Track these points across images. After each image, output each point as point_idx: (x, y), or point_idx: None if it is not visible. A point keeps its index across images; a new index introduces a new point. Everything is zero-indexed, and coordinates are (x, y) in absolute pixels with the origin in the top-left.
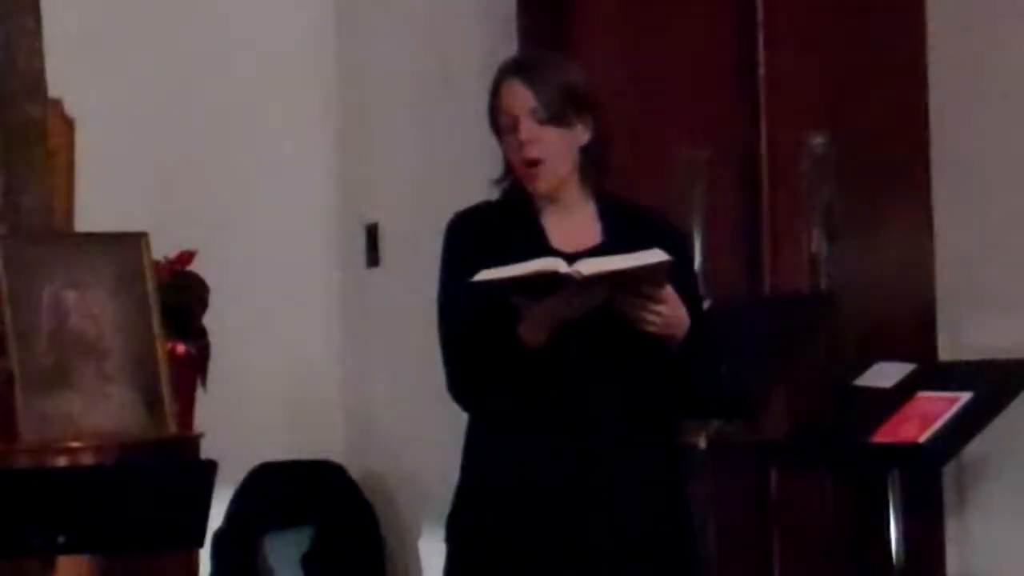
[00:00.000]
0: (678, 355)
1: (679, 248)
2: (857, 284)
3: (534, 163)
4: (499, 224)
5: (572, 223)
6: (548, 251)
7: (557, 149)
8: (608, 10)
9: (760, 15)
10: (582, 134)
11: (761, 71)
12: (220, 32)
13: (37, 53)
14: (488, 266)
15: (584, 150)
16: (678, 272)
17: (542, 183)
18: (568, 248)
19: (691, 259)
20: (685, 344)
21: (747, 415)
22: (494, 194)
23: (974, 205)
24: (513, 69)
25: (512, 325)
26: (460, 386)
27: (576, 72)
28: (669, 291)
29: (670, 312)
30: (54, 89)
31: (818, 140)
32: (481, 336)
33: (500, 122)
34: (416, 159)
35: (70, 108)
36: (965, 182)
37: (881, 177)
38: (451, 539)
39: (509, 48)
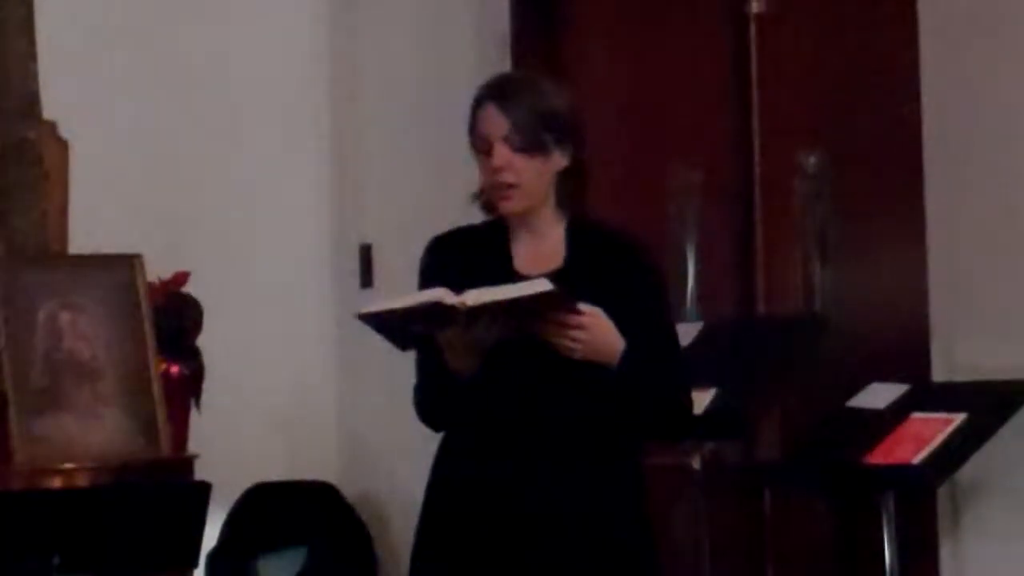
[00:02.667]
0: (616, 377)
1: (643, 268)
2: (851, 305)
3: (506, 187)
4: (471, 247)
5: (540, 246)
6: (512, 274)
7: (530, 176)
8: (602, 31)
9: (754, 37)
10: (559, 160)
11: (754, 92)
12: (215, 54)
13: (31, 75)
14: (455, 289)
15: (562, 174)
16: (640, 291)
17: (512, 205)
18: (533, 271)
19: (657, 283)
20: (621, 367)
21: (740, 436)
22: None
23: (968, 226)
24: (490, 93)
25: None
26: (417, 407)
27: (557, 97)
28: (591, 315)
29: (590, 336)
30: (48, 111)
31: (811, 161)
32: (430, 363)
33: (476, 144)
34: (410, 180)
35: (64, 130)
36: (959, 203)
37: (874, 198)
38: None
39: (503, 70)
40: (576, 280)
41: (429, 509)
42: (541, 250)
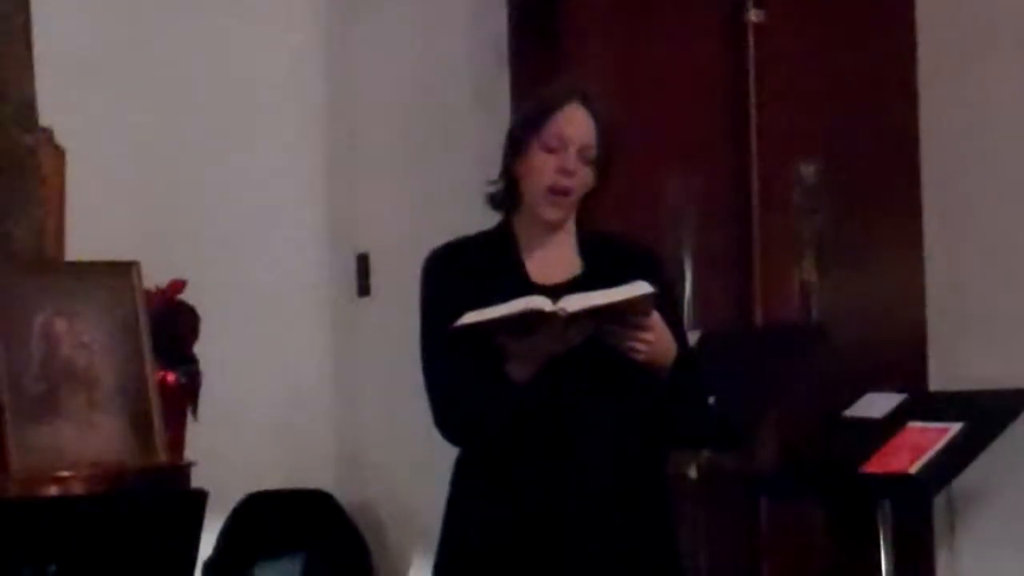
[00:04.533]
0: (668, 382)
1: (657, 276)
2: (848, 314)
3: (564, 193)
4: (477, 259)
5: (551, 256)
6: (528, 285)
7: (585, 188)
8: (599, 38)
9: (751, 43)
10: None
11: (752, 101)
12: (211, 62)
13: (28, 82)
14: (469, 304)
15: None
16: (662, 301)
17: (559, 213)
18: (547, 281)
19: (670, 286)
20: (674, 371)
21: (737, 445)
22: (485, 223)
23: (965, 235)
24: (579, 94)
25: (498, 361)
26: (448, 422)
27: (619, 116)
28: (656, 319)
29: (657, 340)
30: (45, 118)
31: (809, 169)
32: (468, 375)
33: (545, 140)
34: (407, 188)
35: (61, 137)
36: (956, 212)
37: (872, 206)
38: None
39: (500, 76)
40: (595, 290)
41: (455, 531)
42: (554, 260)
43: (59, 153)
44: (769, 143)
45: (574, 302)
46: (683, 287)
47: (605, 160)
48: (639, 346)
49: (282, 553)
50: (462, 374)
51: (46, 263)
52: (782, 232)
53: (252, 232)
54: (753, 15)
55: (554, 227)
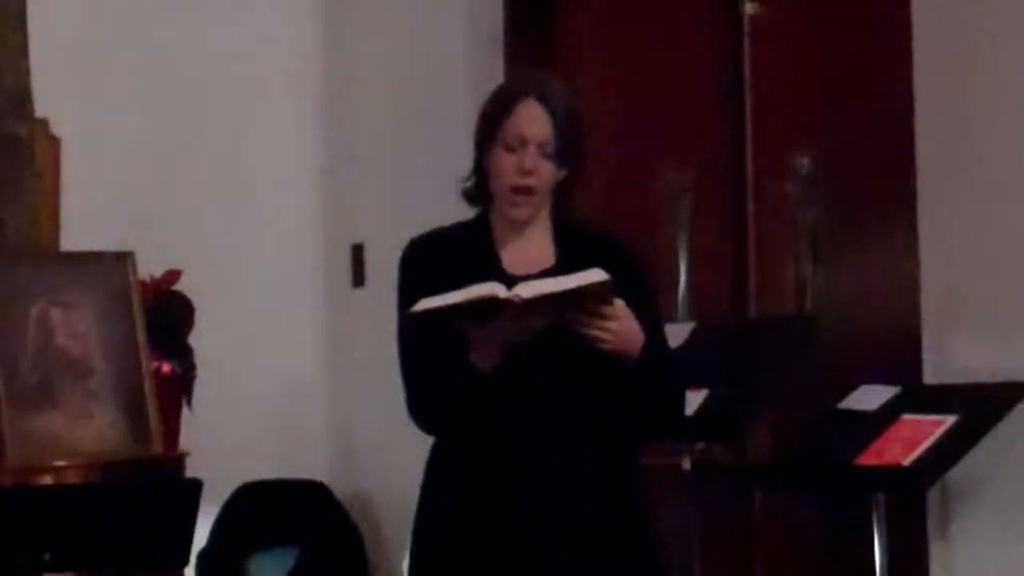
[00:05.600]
0: (634, 371)
1: (633, 268)
2: (842, 306)
3: (527, 191)
4: (454, 250)
5: (527, 247)
6: (502, 275)
7: (549, 182)
8: (594, 32)
9: (746, 37)
10: (564, 169)
11: (748, 93)
12: (206, 53)
13: (24, 73)
14: (441, 292)
15: (560, 182)
16: (632, 290)
17: (525, 211)
18: (521, 272)
19: (646, 278)
20: (641, 359)
21: (732, 437)
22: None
23: (960, 228)
24: (535, 90)
25: (464, 349)
26: (417, 410)
27: (581, 104)
28: (619, 307)
29: (621, 328)
30: (40, 109)
31: (804, 162)
32: (436, 362)
33: (504, 139)
34: (401, 179)
35: (56, 127)
36: (951, 205)
37: (867, 199)
38: (412, 557)
39: (496, 69)
40: None
41: (427, 517)
42: (529, 251)
43: (54, 143)
44: (764, 135)
45: (528, 289)
46: (677, 279)
47: (568, 151)
48: (603, 335)
49: (276, 543)
50: (430, 363)
51: (41, 253)
52: (777, 224)
53: (247, 223)
54: (749, 7)
55: (525, 223)
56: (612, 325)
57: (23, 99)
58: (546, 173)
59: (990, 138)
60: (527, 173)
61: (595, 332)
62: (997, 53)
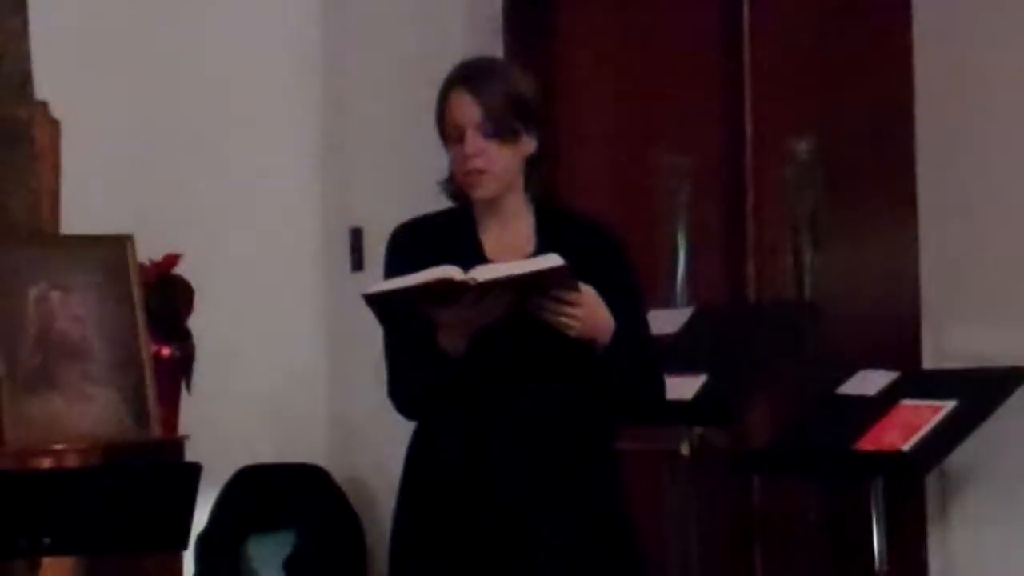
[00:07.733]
0: (605, 357)
1: (614, 254)
2: (841, 291)
3: (477, 173)
4: (439, 236)
5: (509, 233)
6: (482, 261)
7: (501, 162)
8: (593, 18)
9: (745, 22)
10: (527, 145)
11: (745, 77)
12: (206, 36)
13: (24, 55)
14: None
15: (529, 159)
16: (610, 277)
17: (482, 191)
18: (502, 258)
19: (627, 265)
20: (610, 346)
21: (728, 422)
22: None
23: (960, 213)
24: (461, 79)
25: (433, 334)
26: (392, 394)
27: (525, 82)
28: (587, 293)
29: (588, 314)
30: (40, 91)
31: (802, 146)
32: (406, 345)
33: (446, 132)
34: (400, 163)
35: (56, 110)
36: (951, 190)
37: (866, 184)
38: (392, 539)
39: (496, 54)
40: None
41: (408, 502)
42: (510, 236)
43: (54, 126)
44: (763, 119)
45: (485, 272)
46: (676, 264)
47: (509, 127)
48: (569, 321)
49: (275, 527)
50: (401, 347)
51: (41, 236)
52: (775, 210)
53: (246, 207)
54: None
55: (500, 204)
56: (578, 312)
57: (24, 81)
58: (493, 152)
59: (990, 123)
60: (469, 157)
61: (560, 319)
62: (997, 37)
